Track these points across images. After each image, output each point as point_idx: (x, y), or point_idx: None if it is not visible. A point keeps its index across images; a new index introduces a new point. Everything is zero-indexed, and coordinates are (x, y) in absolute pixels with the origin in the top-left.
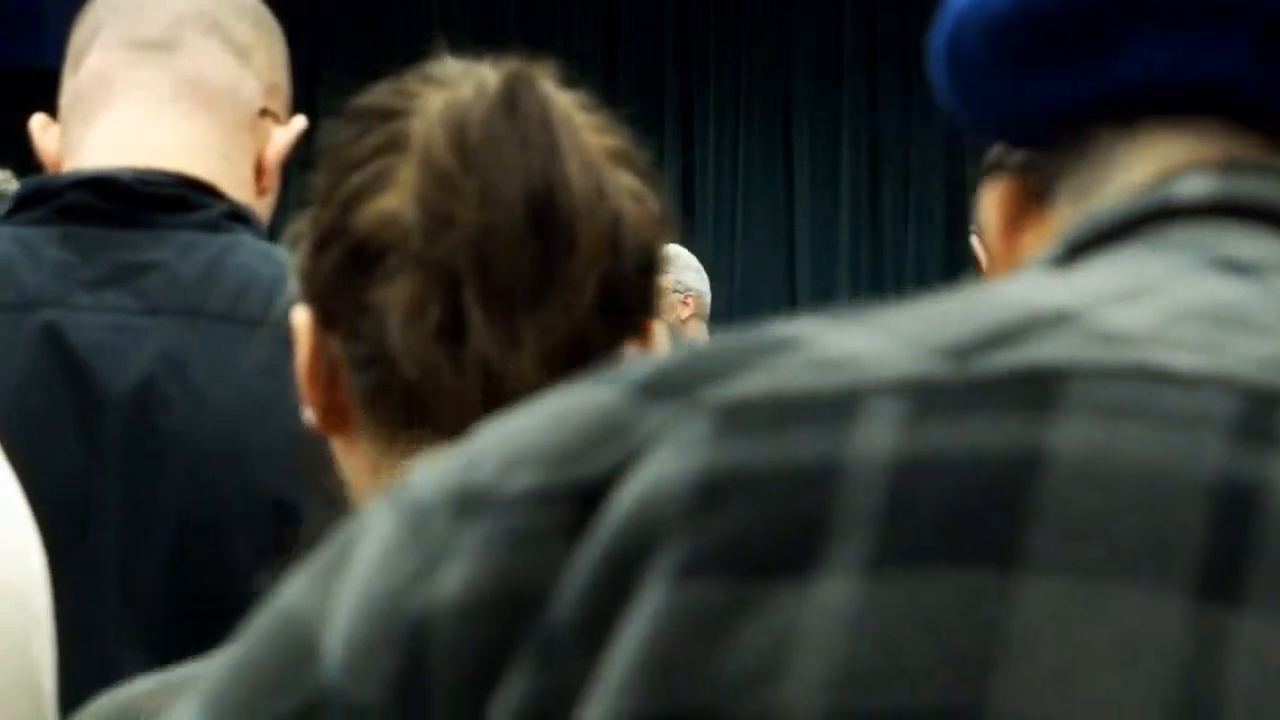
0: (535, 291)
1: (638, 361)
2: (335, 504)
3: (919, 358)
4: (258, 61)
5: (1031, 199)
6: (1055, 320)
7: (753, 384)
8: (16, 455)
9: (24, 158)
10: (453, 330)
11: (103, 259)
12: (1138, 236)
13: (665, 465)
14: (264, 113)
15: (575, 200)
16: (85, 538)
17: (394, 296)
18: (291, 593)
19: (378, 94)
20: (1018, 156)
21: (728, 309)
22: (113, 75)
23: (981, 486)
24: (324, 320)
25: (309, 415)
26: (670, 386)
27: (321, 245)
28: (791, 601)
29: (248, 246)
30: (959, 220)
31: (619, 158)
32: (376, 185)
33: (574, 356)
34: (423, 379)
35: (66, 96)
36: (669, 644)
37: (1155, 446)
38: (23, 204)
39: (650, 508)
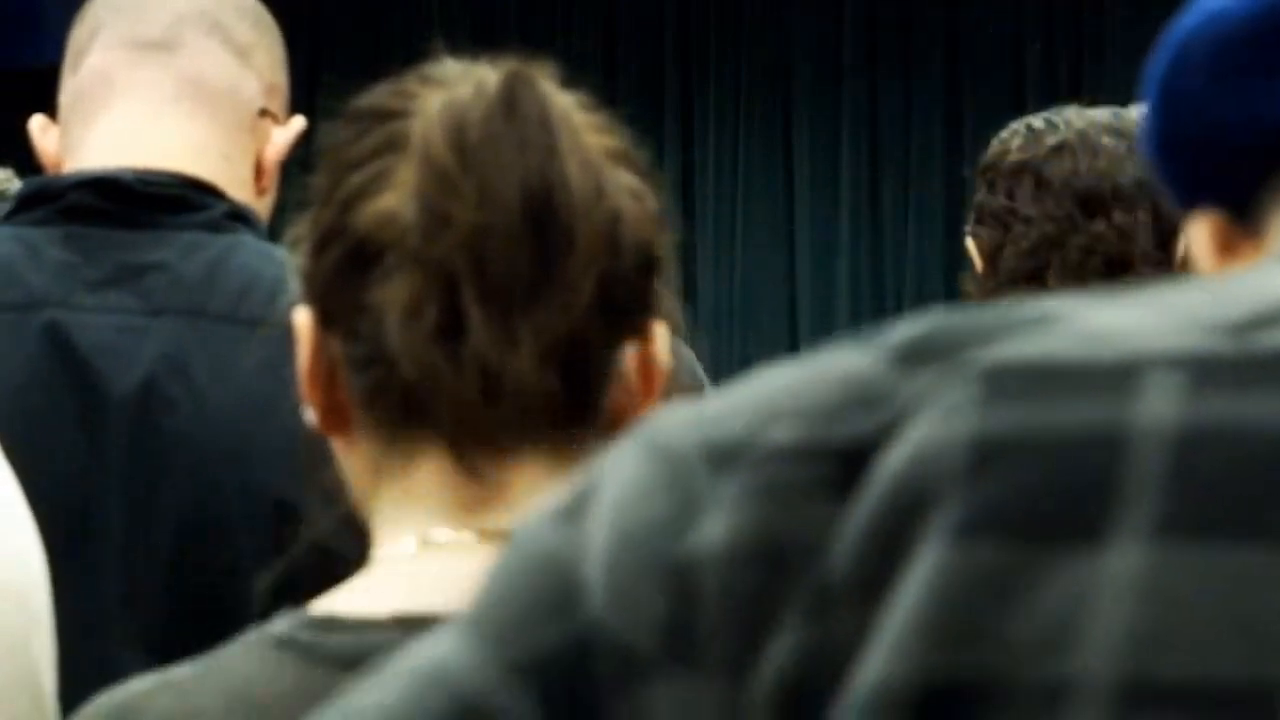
0: (533, 291)
1: (890, 328)
2: (335, 503)
3: (1192, 333)
4: (258, 61)
5: (1244, 227)
6: None
7: (1018, 350)
8: (18, 455)
9: (24, 157)
10: (451, 330)
11: (105, 259)
12: None
13: (935, 428)
14: (264, 113)
15: (573, 199)
16: (86, 538)
17: (392, 296)
18: (536, 533)
19: (377, 95)
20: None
21: (728, 309)
22: (113, 75)
23: (1270, 460)
24: (324, 320)
25: (309, 415)
26: (930, 351)
27: (321, 245)
28: (1081, 568)
29: (249, 247)
30: (959, 220)
31: (618, 157)
32: (376, 185)
33: (573, 356)
34: (421, 378)
35: (66, 96)
36: (948, 607)
37: None
38: (24, 204)
39: (922, 468)
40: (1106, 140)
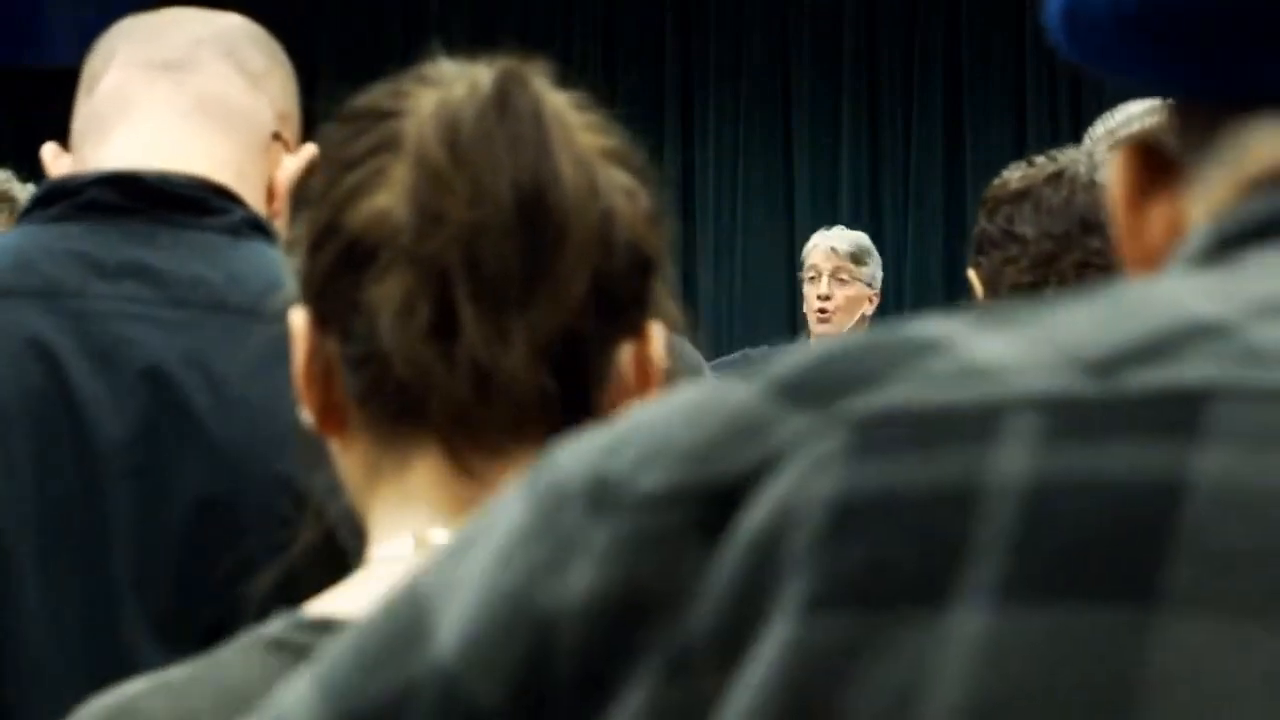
0: (526, 288)
1: (777, 357)
2: (339, 499)
3: (1063, 372)
4: (271, 88)
5: (1158, 168)
6: (1204, 334)
7: (892, 395)
8: (28, 436)
9: (24, 156)
10: (443, 328)
11: (123, 253)
12: None
13: (800, 481)
14: (276, 137)
15: (566, 197)
16: (99, 519)
17: (385, 294)
18: (423, 570)
19: (372, 95)
20: (1141, 126)
21: (728, 308)
22: (129, 92)
23: (1120, 516)
24: (319, 320)
25: (306, 416)
26: (809, 391)
27: (316, 245)
28: (924, 634)
29: (268, 254)
30: (959, 220)
31: (612, 156)
32: (370, 185)
33: (566, 354)
34: (414, 377)
35: (79, 120)
36: (797, 682)
37: None
38: (42, 202)
39: (782, 528)
40: (1105, 174)
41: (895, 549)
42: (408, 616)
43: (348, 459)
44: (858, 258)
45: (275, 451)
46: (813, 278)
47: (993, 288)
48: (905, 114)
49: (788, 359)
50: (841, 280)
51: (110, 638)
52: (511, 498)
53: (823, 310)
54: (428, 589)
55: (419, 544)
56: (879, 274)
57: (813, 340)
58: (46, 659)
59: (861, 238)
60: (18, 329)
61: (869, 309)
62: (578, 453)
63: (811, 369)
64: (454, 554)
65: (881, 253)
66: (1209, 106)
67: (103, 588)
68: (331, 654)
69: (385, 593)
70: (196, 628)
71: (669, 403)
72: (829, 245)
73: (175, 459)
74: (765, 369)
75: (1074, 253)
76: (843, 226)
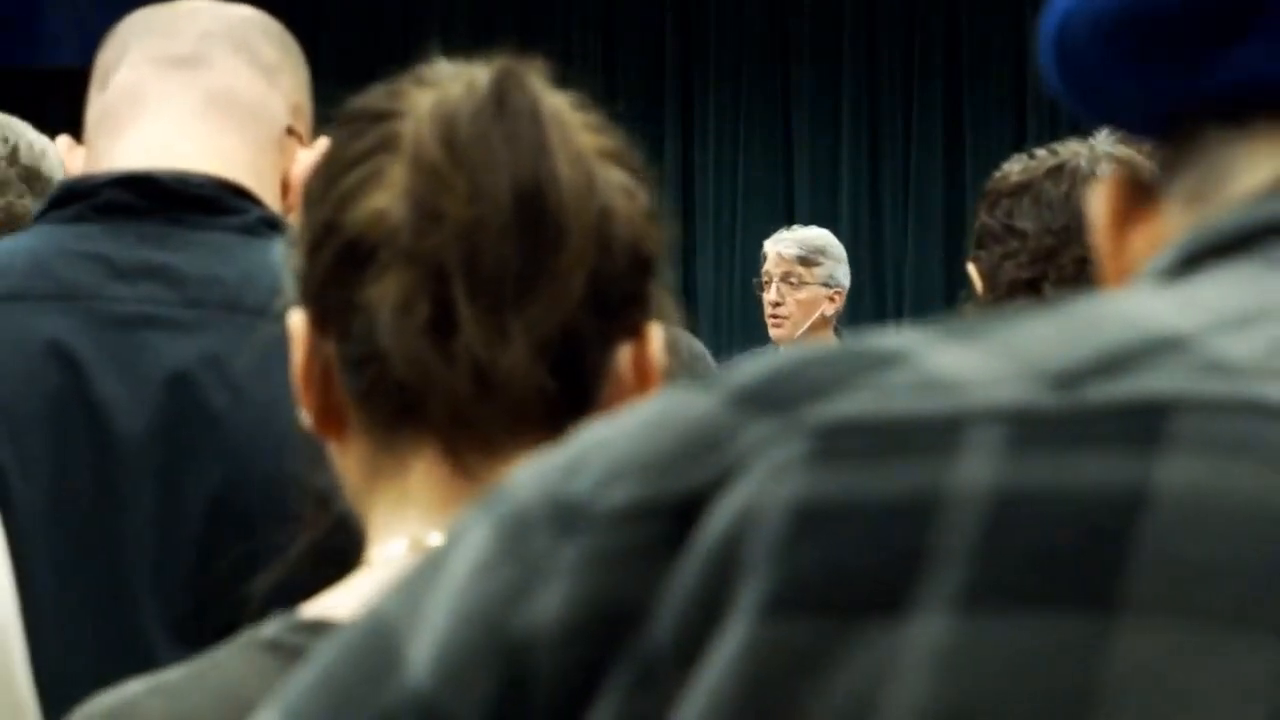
0: (524, 286)
1: (739, 367)
2: (337, 503)
3: (1025, 384)
4: (284, 82)
5: (1141, 195)
6: (1166, 347)
7: (854, 403)
8: (50, 439)
9: None
10: (442, 325)
11: (139, 254)
12: (1257, 250)
13: (761, 488)
14: (290, 131)
15: (564, 195)
16: (118, 522)
17: (384, 293)
18: (384, 601)
19: (370, 97)
20: (1124, 150)
21: (728, 309)
22: (142, 89)
23: (1082, 525)
24: (318, 321)
25: (305, 418)
26: (771, 399)
27: (315, 247)
28: (883, 641)
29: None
30: (959, 221)
31: (610, 156)
32: (368, 185)
33: (565, 352)
34: (413, 375)
35: (93, 114)
36: (753, 685)
37: (1263, 486)
38: (57, 202)
39: (741, 533)
40: (1105, 167)
41: (855, 555)
42: (375, 648)
43: (346, 460)
44: (807, 260)
45: (292, 451)
46: (765, 283)
47: (992, 282)
48: (905, 114)
49: (748, 368)
50: (792, 284)
51: (128, 638)
52: (471, 525)
53: (775, 316)
54: (393, 619)
55: (414, 546)
56: (839, 271)
57: (774, 345)
58: (64, 660)
59: (814, 238)
60: (35, 332)
61: (829, 309)
62: (536, 475)
63: (772, 377)
64: (416, 584)
65: (881, 253)
66: (1186, 126)
67: (121, 589)
68: (296, 689)
69: (344, 627)
70: (214, 627)
71: (626, 419)
72: (776, 250)
73: (194, 459)
74: (725, 378)
75: (1074, 248)
76: (799, 226)
